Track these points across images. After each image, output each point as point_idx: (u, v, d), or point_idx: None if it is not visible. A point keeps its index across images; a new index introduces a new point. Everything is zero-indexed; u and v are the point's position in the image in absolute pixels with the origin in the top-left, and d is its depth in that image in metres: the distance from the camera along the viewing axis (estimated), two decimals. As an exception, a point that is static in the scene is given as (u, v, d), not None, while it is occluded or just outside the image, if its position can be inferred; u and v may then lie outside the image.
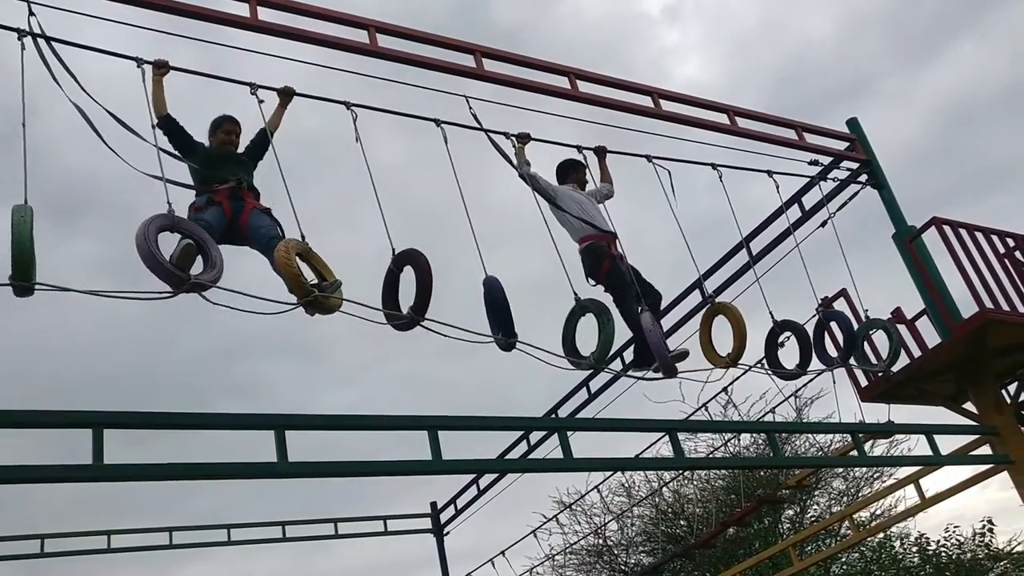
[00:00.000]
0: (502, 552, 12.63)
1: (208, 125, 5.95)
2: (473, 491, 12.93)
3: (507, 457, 11.76)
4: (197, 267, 4.69)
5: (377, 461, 5.03)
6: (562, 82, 7.36)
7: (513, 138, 6.86)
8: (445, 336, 5.32)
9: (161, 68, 5.42)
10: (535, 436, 11.60)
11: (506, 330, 5.58)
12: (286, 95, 5.97)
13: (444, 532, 13.91)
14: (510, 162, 6.73)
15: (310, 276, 4.99)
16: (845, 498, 17.84)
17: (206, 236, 4.82)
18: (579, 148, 7.40)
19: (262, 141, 5.85)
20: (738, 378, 9.29)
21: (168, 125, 5.44)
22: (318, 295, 4.85)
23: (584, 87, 7.46)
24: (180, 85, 5.55)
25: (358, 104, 6.04)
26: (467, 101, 6.62)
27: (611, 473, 11.96)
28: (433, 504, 14.14)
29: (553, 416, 11.51)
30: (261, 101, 5.72)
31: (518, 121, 6.86)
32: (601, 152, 7.49)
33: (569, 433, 6.02)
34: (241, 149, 5.92)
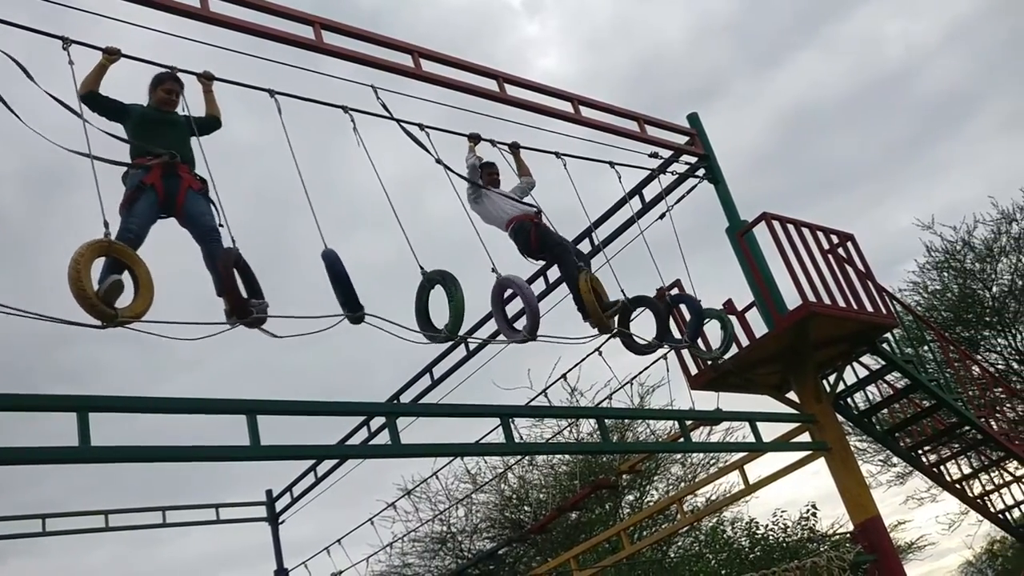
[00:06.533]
0: (338, 540, 12.36)
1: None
2: (311, 479, 12.62)
3: (348, 443, 11.55)
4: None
5: (187, 446, 4.74)
6: (406, 60, 7.16)
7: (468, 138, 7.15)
8: (287, 336, 5.09)
9: (112, 55, 5.23)
10: (378, 423, 11.40)
11: (351, 304, 5.30)
12: (206, 80, 5.83)
13: (279, 520, 13.55)
14: (425, 149, 6.61)
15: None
16: (683, 483, 18.43)
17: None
18: (493, 142, 7.50)
19: (212, 123, 5.74)
20: (597, 349, 9.49)
21: (92, 99, 5.15)
22: (120, 317, 4.42)
23: (429, 67, 7.29)
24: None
25: (184, 70, 5.74)
26: (375, 92, 6.56)
27: (450, 460, 11.89)
28: (268, 492, 13.73)
29: (395, 402, 11.36)
30: (71, 62, 5.25)
31: (361, 100, 6.63)
32: (515, 147, 7.67)
33: (410, 419, 5.90)
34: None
